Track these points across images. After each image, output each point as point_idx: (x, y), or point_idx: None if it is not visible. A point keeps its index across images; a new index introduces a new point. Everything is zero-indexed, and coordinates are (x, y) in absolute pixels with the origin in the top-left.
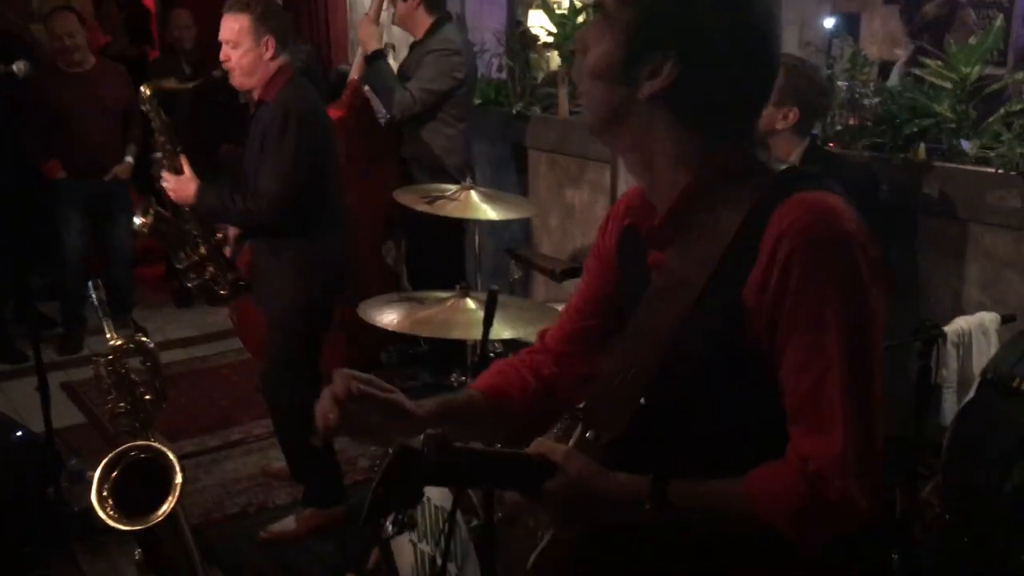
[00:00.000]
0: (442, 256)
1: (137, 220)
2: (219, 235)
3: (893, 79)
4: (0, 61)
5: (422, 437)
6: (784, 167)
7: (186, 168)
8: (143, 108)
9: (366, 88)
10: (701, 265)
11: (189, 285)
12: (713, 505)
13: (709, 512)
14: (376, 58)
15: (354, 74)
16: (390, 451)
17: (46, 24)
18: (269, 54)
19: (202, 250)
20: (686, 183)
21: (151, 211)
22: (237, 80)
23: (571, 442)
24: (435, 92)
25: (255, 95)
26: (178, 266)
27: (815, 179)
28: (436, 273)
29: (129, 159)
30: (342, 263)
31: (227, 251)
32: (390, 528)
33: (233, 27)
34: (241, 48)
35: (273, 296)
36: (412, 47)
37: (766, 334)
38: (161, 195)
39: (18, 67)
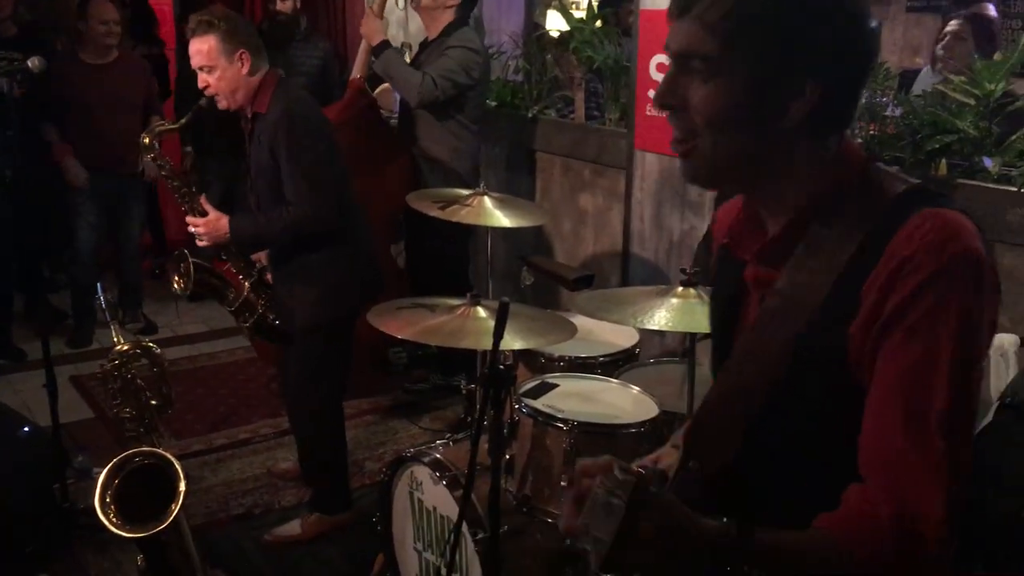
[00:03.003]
0: (447, 260)
1: (176, 285)
2: (257, 264)
3: (921, 84)
4: (22, 54)
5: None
6: (908, 185)
7: (208, 207)
8: (149, 157)
9: (379, 89)
10: (818, 282)
11: (246, 326)
12: (799, 556)
13: (794, 564)
14: (383, 48)
15: (356, 73)
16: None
17: (86, 11)
18: (246, 68)
19: (247, 286)
20: (808, 196)
21: (183, 266)
22: (223, 103)
23: (672, 470)
24: (455, 83)
25: (247, 112)
26: (229, 310)
27: (941, 197)
28: (440, 277)
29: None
30: (371, 265)
31: (268, 278)
32: None
33: (202, 50)
34: (217, 70)
35: (301, 310)
36: (423, 45)
37: (870, 351)
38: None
39: (33, 63)
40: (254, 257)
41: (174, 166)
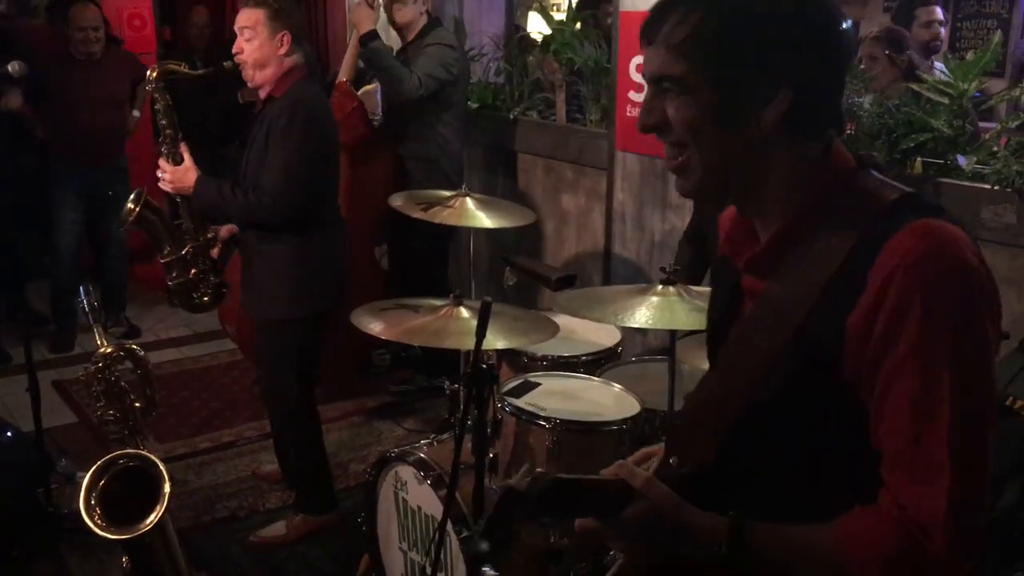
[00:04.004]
0: (429, 261)
1: (129, 205)
2: (210, 235)
3: None
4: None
5: (529, 479)
6: (900, 194)
7: (186, 157)
8: (148, 88)
9: (362, 91)
10: (804, 293)
11: (169, 283)
12: (794, 551)
13: (788, 558)
14: (372, 38)
15: (343, 76)
16: (498, 494)
17: (69, 16)
18: (284, 50)
19: (188, 248)
20: (795, 206)
21: (142, 198)
22: (248, 73)
23: (653, 467)
24: (437, 79)
25: (263, 92)
26: (160, 260)
27: (935, 208)
28: (422, 278)
29: (136, 113)
30: (339, 268)
31: (214, 252)
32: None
33: (250, 18)
34: (256, 41)
35: (267, 303)
36: (402, 50)
37: (868, 370)
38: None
39: (13, 68)
40: (211, 229)
41: (171, 107)
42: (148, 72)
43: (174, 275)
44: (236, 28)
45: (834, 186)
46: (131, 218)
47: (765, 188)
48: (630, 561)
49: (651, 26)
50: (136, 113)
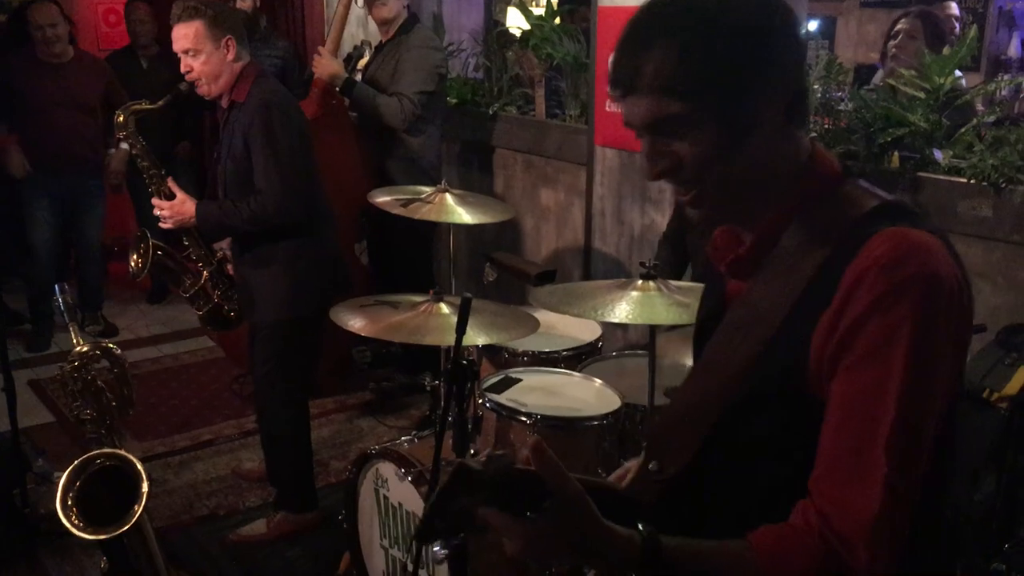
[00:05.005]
0: (411, 258)
1: (132, 264)
2: (219, 254)
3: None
4: None
5: (485, 459)
6: (881, 201)
7: (177, 190)
8: (120, 135)
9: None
10: (782, 298)
11: (200, 313)
12: (709, 566)
13: (703, 574)
14: (350, 87)
15: (318, 72)
16: (449, 469)
17: (27, 14)
18: (231, 55)
19: (205, 274)
20: (778, 209)
21: (143, 247)
22: (204, 89)
23: (632, 472)
24: (426, 93)
25: (224, 100)
26: (183, 295)
27: (913, 215)
28: (404, 275)
29: (124, 146)
30: (338, 263)
31: (229, 268)
32: (439, 552)
33: (188, 34)
34: (202, 55)
35: (264, 305)
36: (379, 47)
37: (829, 370)
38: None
39: None
40: (216, 247)
41: (147, 148)
42: (116, 117)
43: (201, 304)
44: (177, 51)
45: (817, 192)
46: (146, 268)
47: (751, 198)
48: (529, 562)
49: (626, 75)
50: (124, 146)
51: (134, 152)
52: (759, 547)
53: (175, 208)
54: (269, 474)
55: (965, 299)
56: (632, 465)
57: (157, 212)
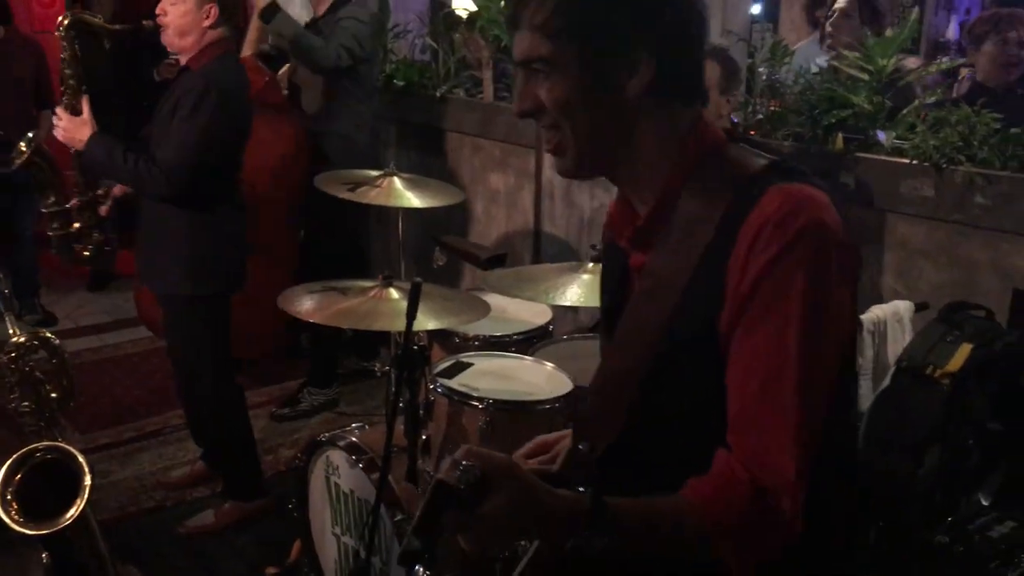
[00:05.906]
0: (347, 242)
1: (20, 146)
2: (100, 191)
3: (802, 56)
4: None
5: (458, 472)
6: (768, 161)
7: (86, 111)
8: (56, 34)
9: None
10: (685, 262)
11: (49, 233)
12: (654, 520)
13: (650, 529)
14: (272, 13)
15: (247, 50)
16: (429, 488)
17: None
18: (209, 21)
19: (75, 201)
20: (668, 177)
21: (33, 143)
22: (168, 38)
23: (562, 455)
24: (352, 53)
25: (182, 60)
26: (43, 209)
27: (799, 173)
28: (337, 258)
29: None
30: (238, 254)
31: (103, 209)
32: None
33: None
34: (182, 6)
35: (162, 274)
36: (312, 23)
37: (736, 324)
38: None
39: None
40: (108, 192)
41: (78, 57)
42: (59, 19)
43: (55, 225)
44: None
45: (704, 156)
46: (20, 160)
47: (637, 161)
48: (485, 549)
49: (515, 10)
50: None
51: (62, 56)
52: (697, 497)
53: (73, 123)
54: (211, 461)
55: (850, 250)
56: (545, 438)
57: (54, 119)
